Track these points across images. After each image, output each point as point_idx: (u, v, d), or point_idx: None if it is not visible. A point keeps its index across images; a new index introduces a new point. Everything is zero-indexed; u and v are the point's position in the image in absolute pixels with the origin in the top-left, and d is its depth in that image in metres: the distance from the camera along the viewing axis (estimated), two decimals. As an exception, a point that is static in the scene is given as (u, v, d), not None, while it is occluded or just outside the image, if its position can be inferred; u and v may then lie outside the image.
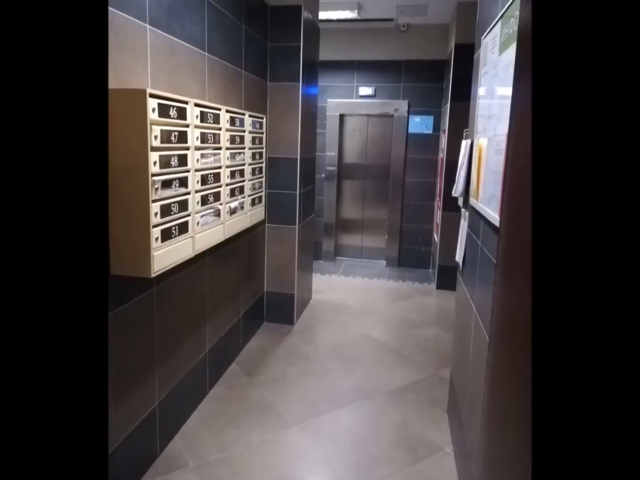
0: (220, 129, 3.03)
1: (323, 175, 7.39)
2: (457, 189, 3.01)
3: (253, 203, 3.86)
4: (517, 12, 1.76)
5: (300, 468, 2.90)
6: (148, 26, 2.46)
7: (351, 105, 7.23)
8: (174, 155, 2.40)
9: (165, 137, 2.30)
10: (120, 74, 2.26)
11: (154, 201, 2.24)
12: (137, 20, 2.36)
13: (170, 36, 2.69)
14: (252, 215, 3.87)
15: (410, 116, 7.02)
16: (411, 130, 7.05)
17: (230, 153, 3.26)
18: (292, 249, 4.89)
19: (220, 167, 3.07)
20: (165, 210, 2.36)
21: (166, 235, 2.39)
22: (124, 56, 2.27)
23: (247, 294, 4.41)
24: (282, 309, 5.03)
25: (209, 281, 3.49)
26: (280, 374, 3.99)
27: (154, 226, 2.27)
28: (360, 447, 3.09)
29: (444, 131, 6.30)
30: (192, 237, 2.69)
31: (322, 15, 5.89)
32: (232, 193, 3.35)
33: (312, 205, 5.61)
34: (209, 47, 3.22)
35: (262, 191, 4.13)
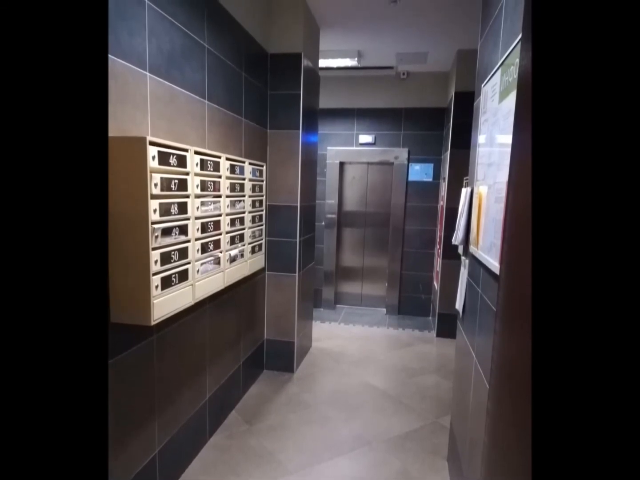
0: (220, 176, 3.05)
1: (323, 223, 7.42)
2: (457, 237, 3.01)
3: (253, 251, 3.87)
4: (517, 60, 1.80)
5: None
6: (148, 74, 2.50)
7: (351, 153, 7.29)
8: (174, 203, 2.41)
9: (166, 184, 2.32)
10: (120, 121, 2.28)
11: (154, 249, 2.25)
12: (137, 68, 2.40)
13: (170, 84, 2.73)
14: (252, 263, 3.87)
15: (410, 164, 7.08)
16: (411, 178, 7.10)
17: (230, 201, 3.28)
18: (292, 297, 4.88)
19: (220, 215, 3.08)
20: (165, 258, 2.36)
21: (166, 283, 2.38)
22: (123, 103, 2.30)
23: (247, 341, 4.37)
24: (282, 357, 4.99)
25: (209, 329, 3.46)
26: (281, 422, 3.93)
27: (154, 274, 2.27)
28: (361, 499, 3.03)
29: (444, 179, 6.35)
30: (192, 284, 2.69)
31: (323, 63, 6.01)
32: (232, 241, 3.36)
33: (312, 253, 5.61)
34: (208, 94, 3.26)
35: (262, 239, 4.14)
